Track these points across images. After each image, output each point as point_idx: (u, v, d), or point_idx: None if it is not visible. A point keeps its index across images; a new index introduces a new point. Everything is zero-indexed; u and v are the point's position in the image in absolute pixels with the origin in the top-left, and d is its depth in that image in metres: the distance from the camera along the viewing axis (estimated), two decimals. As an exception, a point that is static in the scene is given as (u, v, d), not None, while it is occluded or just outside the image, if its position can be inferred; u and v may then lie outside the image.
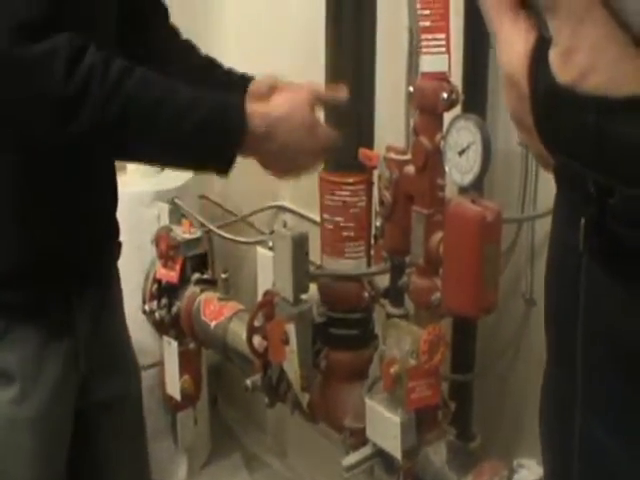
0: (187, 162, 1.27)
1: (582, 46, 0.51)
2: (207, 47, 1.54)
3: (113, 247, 1.48)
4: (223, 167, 1.22)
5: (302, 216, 2.26)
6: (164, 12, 1.53)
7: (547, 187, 1.57)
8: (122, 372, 1.53)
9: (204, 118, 1.17)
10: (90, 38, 1.13)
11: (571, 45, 0.51)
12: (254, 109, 1.21)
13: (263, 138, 1.21)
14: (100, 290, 1.43)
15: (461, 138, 1.30)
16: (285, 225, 2.21)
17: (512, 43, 0.56)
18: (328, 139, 1.31)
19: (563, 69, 0.52)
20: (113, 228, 1.47)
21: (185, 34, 1.54)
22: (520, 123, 0.60)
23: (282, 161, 1.28)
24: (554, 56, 0.53)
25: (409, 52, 1.72)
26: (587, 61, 0.51)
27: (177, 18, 1.56)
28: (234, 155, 1.20)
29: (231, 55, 2.30)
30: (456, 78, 1.46)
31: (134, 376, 1.59)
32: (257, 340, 1.75)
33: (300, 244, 1.56)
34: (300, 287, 1.60)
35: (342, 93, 1.40)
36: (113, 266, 1.50)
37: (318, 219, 1.71)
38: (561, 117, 0.54)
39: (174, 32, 1.52)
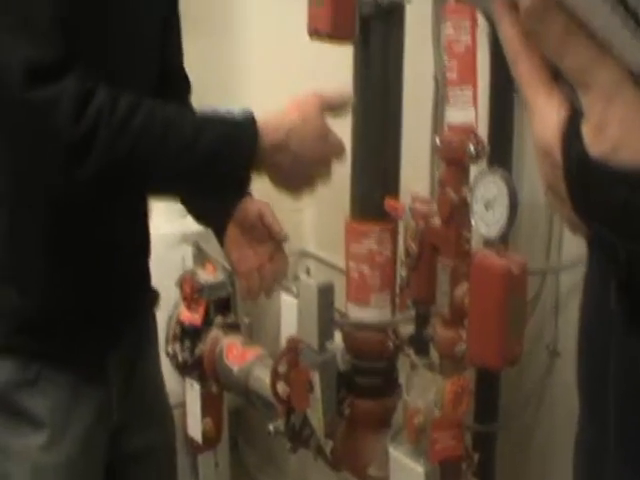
0: (203, 185, 1.24)
1: (613, 122, 0.52)
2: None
3: (147, 297, 1.49)
4: (239, 186, 1.21)
5: (325, 262, 2.27)
6: (187, 87, 1.54)
7: (572, 237, 1.58)
8: (156, 421, 1.52)
9: (216, 136, 1.16)
10: (120, 85, 1.13)
11: (602, 120, 0.52)
12: (266, 122, 1.21)
13: (277, 150, 1.20)
14: (134, 340, 1.44)
15: (488, 191, 1.31)
16: (308, 271, 2.22)
17: (545, 115, 0.57)
18: (340, 147, 1.30)
19: (595, 143, 0.53)
20: (146, 279, 1.47)
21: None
22: (553, 190, 0.60)
23: (295, 174, 1.25)
24: (586, 130, 0.54)
25: (434, 101, 1.74)
26: (618, 136, 0.52)
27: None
28: (249, 169, 1.19)
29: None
30: (482, 128, 1.47)
31: (168, 424, 1.58)
32: (281, 386, 1.75)
33: (326, 294, 1.57)
34: (325, 335, 1.60)
35: (346, 95, 1.39)
36: (148, 315, 1.50)
37: (341, 264, 1.72)
38: (593, 189, 0.55)
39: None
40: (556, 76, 0.58)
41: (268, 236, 1.45)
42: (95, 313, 1.33)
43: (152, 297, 1.51)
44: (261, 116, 1.21)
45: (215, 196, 1.31)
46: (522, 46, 0.56)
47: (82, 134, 1.08)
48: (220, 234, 1.48)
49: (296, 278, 1.88)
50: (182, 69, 1.53)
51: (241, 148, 1.18)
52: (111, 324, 1.36)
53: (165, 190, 1.25)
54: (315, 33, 1.60)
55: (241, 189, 1.23)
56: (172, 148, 1.14)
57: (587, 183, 0.55)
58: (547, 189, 0.62)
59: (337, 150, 1.29)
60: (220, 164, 1.17)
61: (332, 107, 1.29)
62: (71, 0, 1.12)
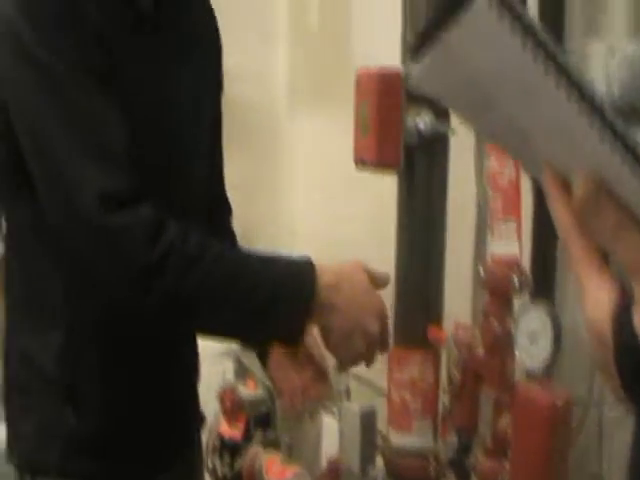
0: (260, 332, 1.25)
1: None
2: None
3: (196, 421, 1.49)
4: (296, 330, 1.23)
5: (364, 380, 2.27)
6: (229, 211, 1.58)
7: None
8: None
9: (278, 278, 1.17)
10: (179, 216, 1.17)
11: None
12: (323, 268, 1.23)
13: (332, 291, 1.22)
14: (183, 463, 1.44)
15: (532, 324, 1.33)
16: (348, 392, 2.22)
17: (597, 298, 0.59)
18: (385, 309, 1.31)
19: None
20: (195, 402, 1.48)
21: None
22: (603, 368, 0.62)
23: (346, 326, 1.26)
24: (637, 316, 0.56)
25: (477, 229, 1.76)
26: None
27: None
28: (309, 311, 1.21)
29: (299, 240, 2.37)
30: (524, 258, 1.48)
31: None
32: (322, 509, 1.75)
33: (368, 419, 1.59)
34: (367, 460, 1.61)
35: (386, 277, 1.42)
36: (196, 438, 1.51)
37: (379, 383, 1.72)
38: None
39: (232, 238, 1.55)
40: (606, 255, 0.60)
41: (312, 360, 1.46)
42: (148, 437, 1.34)
43: (200, 421, 1.52)
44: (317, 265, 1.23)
45: (272, 339, 1.33)
46: (574, 227, 0.58)
47: (157, 259, 1.11)
48: (264, 358, 1.49)
49: (337, 397, 1.89)
50: (224, 194, 1.57)
51: (302, 289, 1.20)
52: (163, 448, 1.37)
53: (227, 330, 1.26)
54: (361, 162, 1.65)
55: (295, 336, 1.24)
56: (239, 291, 1.17)
57: (637, 367, 0.57)
58: (598, 366, 0.64)
59: (383, 310, 1.29)
60: (280, 309, 1.19)
61: (373, 280, 1.31)
62: (135, 133, 1.17)
